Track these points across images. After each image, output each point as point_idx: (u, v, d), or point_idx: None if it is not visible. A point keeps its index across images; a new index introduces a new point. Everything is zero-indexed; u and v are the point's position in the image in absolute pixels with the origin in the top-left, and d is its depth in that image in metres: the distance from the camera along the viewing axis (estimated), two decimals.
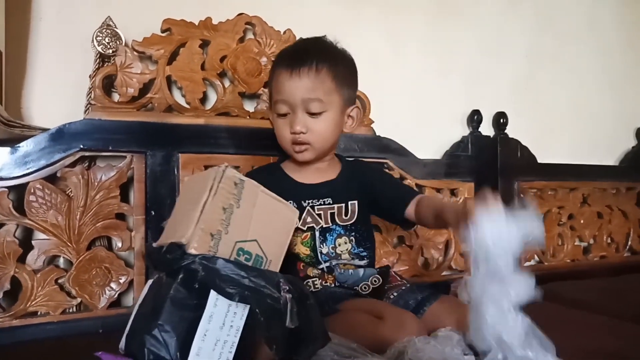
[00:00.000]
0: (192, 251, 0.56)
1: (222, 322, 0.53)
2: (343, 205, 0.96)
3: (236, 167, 1.08)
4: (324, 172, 0.99)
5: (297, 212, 0.74)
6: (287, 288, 0.56)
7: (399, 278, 0.98)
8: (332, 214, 0.95)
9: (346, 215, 0.95)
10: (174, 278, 0.55)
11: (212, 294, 0.53)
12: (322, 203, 0.94)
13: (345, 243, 0.94)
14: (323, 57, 0.92)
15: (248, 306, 0.54)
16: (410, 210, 0.97)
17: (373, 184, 1.00)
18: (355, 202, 0.97)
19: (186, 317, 0.52)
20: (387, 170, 1.23)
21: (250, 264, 0.62)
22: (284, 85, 0.91)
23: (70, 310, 0.96)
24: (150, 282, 0.60)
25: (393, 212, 1.00)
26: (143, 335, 0.52)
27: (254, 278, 0.55)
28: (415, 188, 1.29)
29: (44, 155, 0.93)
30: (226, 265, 0.55)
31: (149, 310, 0.55)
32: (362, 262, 0.95)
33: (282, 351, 0.55)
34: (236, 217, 0.61)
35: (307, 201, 0.94)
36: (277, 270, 0.66)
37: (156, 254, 0.59)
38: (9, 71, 1.00)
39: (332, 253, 0.93)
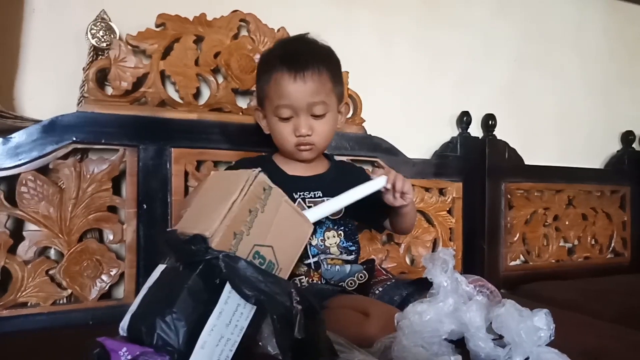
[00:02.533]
0: (214, 246, 0.57)
1: (229, 320, 0.54)
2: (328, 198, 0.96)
3: (227, 163, 1.09)
4: (314, 167, 1.00)
5: (312, 227, 0.75)
6: (298, 299, 0.57)
7: (384, 272, 1.00)
8: None
9: None
10: (192, 269, 0.55)
11: (225, 291, 0.54)
12: (313, 196, 0.95)
13: (334, 237, 0.96)
14: (321, 58, 0.93)
15: (254, 309, 0.55)
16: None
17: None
18: None
19: (199, 309, 0.53)
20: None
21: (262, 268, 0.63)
22: (287, 90, 0.90)
23: (61, 302, 0.96)
24: (162, 267, 0.61)
25: (376, 217, 1.06)
26: (155, 319, 0.52)
27: (270, 284, 0.56)
28: None
29: (36, 147, 0.93)
30: (247, 267, 0.56)
31: (163, 295, 0.56)
32: (350, 257, 0.96)
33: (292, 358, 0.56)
34: (259, 221, 0.63)
35: (298, 193, 0.94)
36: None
37: (178, 242, 0.60)
38: (1, 62, 0.99)
39: (321, 245, 0.94)
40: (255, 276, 0.56)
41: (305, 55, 0.93)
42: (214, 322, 0.53)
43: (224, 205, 0.60)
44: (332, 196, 0.95)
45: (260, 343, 0.57)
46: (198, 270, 0.55)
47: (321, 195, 0.96)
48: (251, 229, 0.62)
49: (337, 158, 1.19)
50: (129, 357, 0.51)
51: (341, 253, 0.96)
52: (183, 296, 0.53)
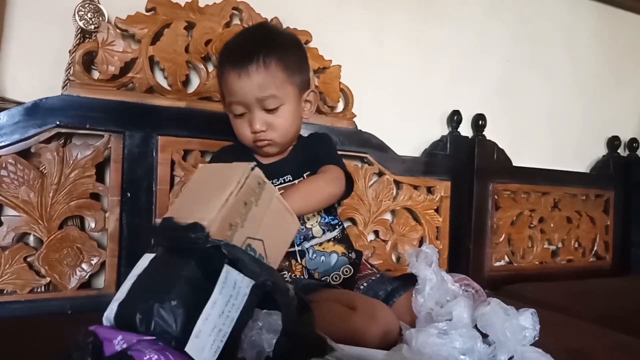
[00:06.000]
0: (210, 235, 0.56)
1: (221, 310, 0.53)
2: (300, 179, 0.95)
3: None
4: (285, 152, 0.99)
5: (299, 224, 0.74)
6: (293, 294, 0.57)
7: (369, 266, 0.99)
8: None
9: None
10: (191, 257, 0.54)
11: (220, 281, 0.53)
12: (283, 181, 0.94)
13: (314, 215, 0.94)
14: (269, 48, 0.89)
15: (244, 300, 0.54)
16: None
17: (315, 152, 0.99)
18: (309, 172, 0.96)
19: (195, 297, 0.52)
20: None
21: None
22: (234, 87, 0.89)
23: (39, 290, 0.93)
24: (150, 255, 0.59)
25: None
26: (153, 305, 0.50)
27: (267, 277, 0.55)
28: (393, 184, 1.31)
29: (17, 130, 0.91)
30: (247, 258, 0.55)
31: (157, 283, 0.54)
32: (335, 232, 0.95)
33: (280, 355, 0.55)
34: (252, 215, 0.62)
35: (271, 181, 0.93)
36: None
37: (175, 229, 0.58)
38: None
39: (303, 229, 0.93)
40: (254, 267, 0.55)
41: (248, 48, 0.89)
42: (208, 311, 0.52)
43: (221, 196, 0.59)
44: (300, 177, 0.94)
45: (249, 334, 0.56)
46: (196, 259, 0.54)
47: (291, 178, 0.95)
48: (245, 221, 0.61)
49: None
50: (125, 345, 0.48)
51: (324, 232, 0.94)
52: (180, 284, 0.52)
